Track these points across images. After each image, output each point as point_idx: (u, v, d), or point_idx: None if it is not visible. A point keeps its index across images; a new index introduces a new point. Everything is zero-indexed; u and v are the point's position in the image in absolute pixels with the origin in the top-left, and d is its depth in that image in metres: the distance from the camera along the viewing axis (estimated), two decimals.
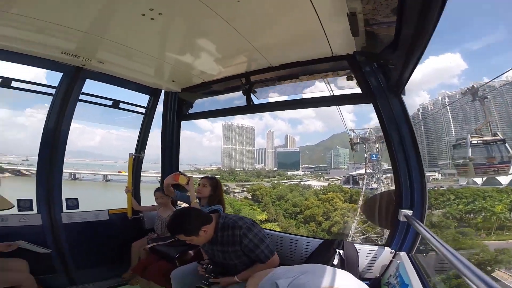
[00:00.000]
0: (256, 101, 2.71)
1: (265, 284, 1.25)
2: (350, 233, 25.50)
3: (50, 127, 2.35)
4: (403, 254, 1.80)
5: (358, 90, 2.11)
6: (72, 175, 47.26)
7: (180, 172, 2.35)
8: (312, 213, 29.95)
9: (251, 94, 2.65)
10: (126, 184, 2.86)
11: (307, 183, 48.00)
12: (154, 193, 2.81)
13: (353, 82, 2.20)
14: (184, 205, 2.68)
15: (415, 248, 1.85)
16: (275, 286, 1.16)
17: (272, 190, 38.80)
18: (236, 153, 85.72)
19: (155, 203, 2.88)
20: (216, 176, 2.57)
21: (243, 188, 45.44)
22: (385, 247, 1.90)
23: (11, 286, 1.66)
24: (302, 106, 2.60)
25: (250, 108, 2.71)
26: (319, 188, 40.37)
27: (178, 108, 3.12)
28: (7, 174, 37.84)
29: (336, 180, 48.55)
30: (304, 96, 2.66)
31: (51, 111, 2.36)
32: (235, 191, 44.60)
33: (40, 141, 2.32)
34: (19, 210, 2.13)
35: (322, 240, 2.06)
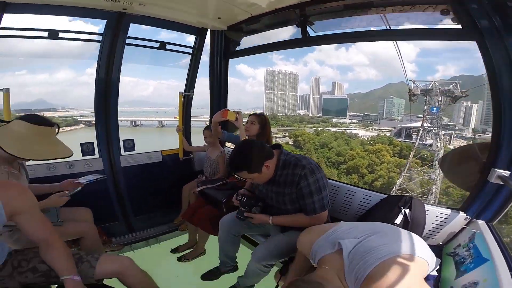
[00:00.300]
0: (313, 33, 2.28)
1: (323, 243, 1.08)
2: (394, 189, 24.60)
3: (102, 73, 2.37)
4: (481, 222, 1.51)
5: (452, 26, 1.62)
6: (133, 122, 52.16)
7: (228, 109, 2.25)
8: (356, 164, 28.79)
9: (307, 26, 2.23)
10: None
11: (353, 131, 45.38)
12: (203, 132, 2.81)
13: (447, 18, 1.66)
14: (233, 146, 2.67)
15: (497, 219, 1.54)
16: (337, 246, 1.00)
17: (316, 136, 37.51)
18: (278, 98, 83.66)
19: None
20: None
21: (285, 133, 44.57)
22: (459, 212, 1.62)
23: (77, 237, 1.75)
24: (377, 38, 2.15)
25: (306, 41, 2.34)
26: (366, 138, 38.16)
27: (225, 46, 2.95)
28: (82, 125, 43.98)
29: (386, 131, 45.14)
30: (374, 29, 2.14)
31: (101, 57, 2.36)
32: (276, 136, 43.92)
33: (94, 87, 2.38)
34: (83, 155, 2.27)
35: (385, 195, 1.84)
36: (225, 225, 1.88)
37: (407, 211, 1.60)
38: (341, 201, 2.04)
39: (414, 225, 1.57)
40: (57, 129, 1.40)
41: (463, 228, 1.60)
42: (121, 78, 2.47)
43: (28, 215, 1.08)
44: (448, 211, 1.65)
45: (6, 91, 1.82)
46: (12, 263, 1.17)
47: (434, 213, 1.66)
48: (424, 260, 0.99)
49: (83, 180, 1.78)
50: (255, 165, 1.44)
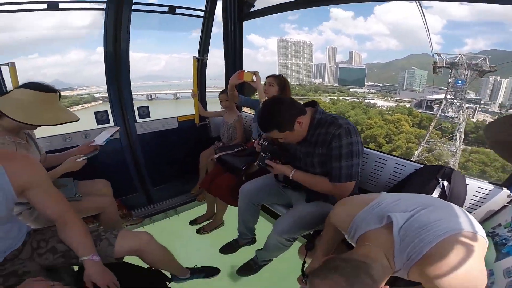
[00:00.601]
0: None
1: (366, 216, 0.94)
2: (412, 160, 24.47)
3: (110, 42, 2.21)
4: None
5: None
6: (149, 96, 53.02)
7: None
8: (374, 134, 27.92)
9: None
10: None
11: (371, 101, 43.74)
12: (218, 96, 2.70)
13: None
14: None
15: None
16: (385, 220, 0.87)
17: (332, 105, 36.28)
18: (292, 68, 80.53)
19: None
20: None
21: (301, 102, 44.10)
22: (502, 188, 1.43)
23: (97, 212, 1.69)
24: None
25: None
26: (384, 108, 36.83)
27: (238, 8, 2.70)
28: (100, 102, 44.77)
29: (406, 102, 43.33)
30: None
31: (107, 26, 2.17)
32: None
33: (103, 57, 2.24)
34: (97, 124, 2.22)
35: (421, 165, 1.66)
36: (245, 193, 1.78)
37: (445, 183, 1.43)
38: (370, 170, 1.88)
39: (453, 200, 1.40)
40: (59, 95, 1.30)
41: (505, 206, 1.42)
42: (133, 55, 2.34)
43: (39, 190, 1.01)
44: (490, 187, 1.47)
45: (12, 65, 1.73)
46: (31, 244, 1.11)
47: (474, 187, 1.49)
48: (484, 239, 0.86)
49: (99, 141, 1.68)
50: (286, 122, 1.29)
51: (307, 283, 1.23)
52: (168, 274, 1.50)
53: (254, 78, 2.05)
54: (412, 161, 1.74)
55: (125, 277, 1.21)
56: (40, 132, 1.57)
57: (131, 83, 2.37)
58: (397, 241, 0.82)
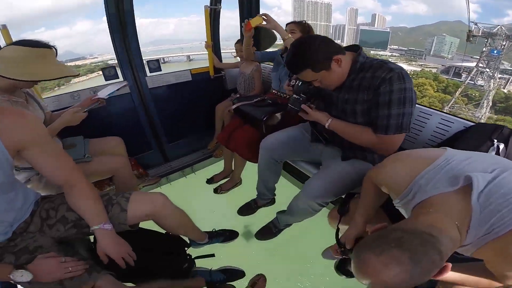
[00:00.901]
0: None
1: (434, 176, 0.73)
2: None
3: None
4: None
5: None
6: (162, 59, 53.11)
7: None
8: None
9: None
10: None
11: None
12: (234, 45, 2.48)
13: None
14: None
15: None
16: (462, 182, 0.66)
17: None
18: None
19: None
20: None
21: None
22: None
23: (110, 175, 1.56)
24: None
25: None
26: (408, 72, 35.32)
27: None
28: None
29: (432, 67, 41.30)
30: None
31: None
32: None
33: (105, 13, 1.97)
34: (106, 80, 2.05)
35: (472, 123, 1.41)
36: (266, 148, 1.58)
37: (501, 146, 1.20)
38: (412, 125, 1.64)
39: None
40: (55, 52, 1.14)
41: None
42: (141, 21, 2.07)
43: (37, 149, 0.85)
44: None
45: (3, 27, 1.55)
46: (40, 214, 0.99)
47: None
48: None
49: (102, 94, 1.54)
50: (322, 60, 1.07)
51: (350, 255, 1.02)
52: (186, 239, 1.39)
53: (264, 22, 1.70)
54: (461, 118, 1.50)
55: (141, 245, 1.10)
56: (48, 93, 1.44)
57: (141, 49, 2.16)
58: (476, 209, 0.63)
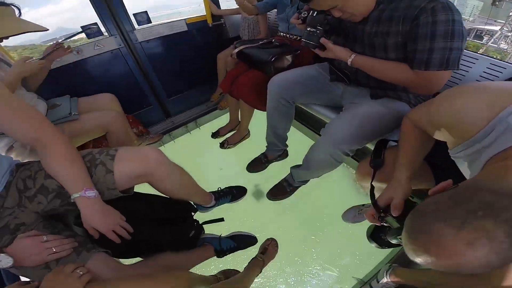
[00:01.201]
0: None
1: None
2: None
3: None
4: None
5: None
6: None
7: None
8: None
9: None
10: None
11: None
12: None
13: None
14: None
15: None
16: None
17: None
18: None
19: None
20: None
21: None
22: None
23: (103, 133, 1.42)
24: None
25: None
26: None
27: None
28: None
29: None
30: None
31: None
32: None
33: None
34: (88, 38, 1.82)
35: None
36: (275, 86, 1.35)
37: None
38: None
39: None
40: (17, 11, 1.03)
41: None
42: None
43: None
44: None
45: None
46: (16, 185, 0.81)
47: None
48: None
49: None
50: None
51: (392, 223, 0.75)
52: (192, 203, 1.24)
53: None
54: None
55: (138, 214, 0.92)
56: None
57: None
58: None
